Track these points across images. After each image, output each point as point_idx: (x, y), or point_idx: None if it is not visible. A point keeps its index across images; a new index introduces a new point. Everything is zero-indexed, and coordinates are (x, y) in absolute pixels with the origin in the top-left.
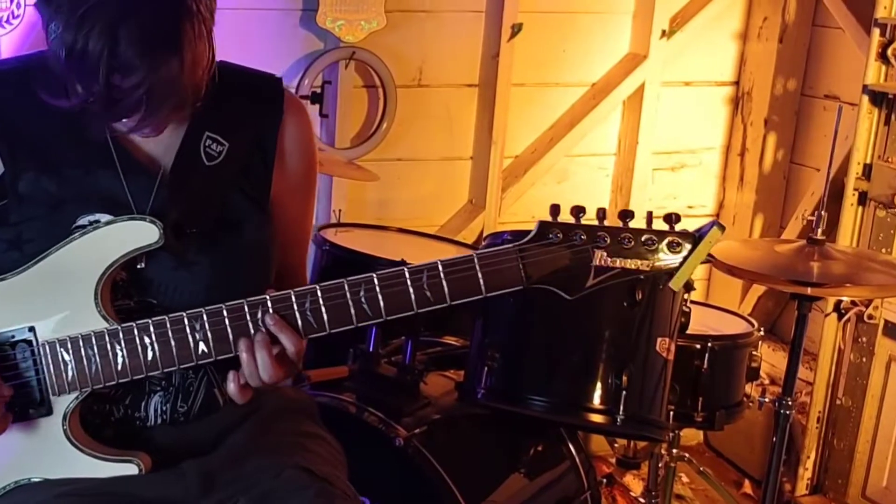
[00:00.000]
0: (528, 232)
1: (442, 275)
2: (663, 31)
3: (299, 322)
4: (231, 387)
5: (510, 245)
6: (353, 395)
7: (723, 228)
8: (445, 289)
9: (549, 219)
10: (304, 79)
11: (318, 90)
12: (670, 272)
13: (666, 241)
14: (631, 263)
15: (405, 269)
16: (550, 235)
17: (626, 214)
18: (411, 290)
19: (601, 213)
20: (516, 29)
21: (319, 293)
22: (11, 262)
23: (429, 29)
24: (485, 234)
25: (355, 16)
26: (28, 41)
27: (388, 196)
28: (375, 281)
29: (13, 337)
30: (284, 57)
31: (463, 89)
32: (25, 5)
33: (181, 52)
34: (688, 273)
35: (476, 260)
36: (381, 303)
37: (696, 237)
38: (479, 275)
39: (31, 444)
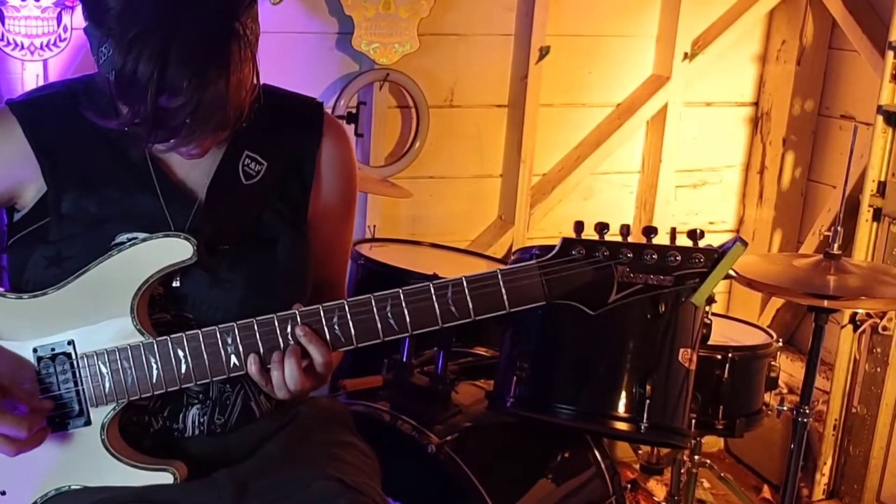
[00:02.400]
0: (555, 247)
1: (466, 290)
2: (685, 54)
3: (328, 336)
4: (252, 368)
5: (532, 262)
6: (388, 404)
7: (745, 244)
8: (470, 304)
9: (574, 235)
10: (340, 99)
11: (354, 110)
12: (693, 287)
13: (689, 257)
14: (654, 279)
15: (430, 285)
16: (573, 252)
17: (650, 230)
18: (436, 305)
19: (625, 230)
20: (544, 52)
21: (347, 308)
22: (51, 278)
23: (460, 52)
24: (514, 249)
25: (389, 39)
26: (75, 64)
27: (420, 212)
28: (401, 296)
29: (53, 350)
30: (321, 78)
31: (493, 110)
32: (72, 29)
33: (228, 73)
34: (710, 288)
35: (500, 276)
36: (408, 318)
37: (718, 253)
38: (503, 290)
39: (71, 453)
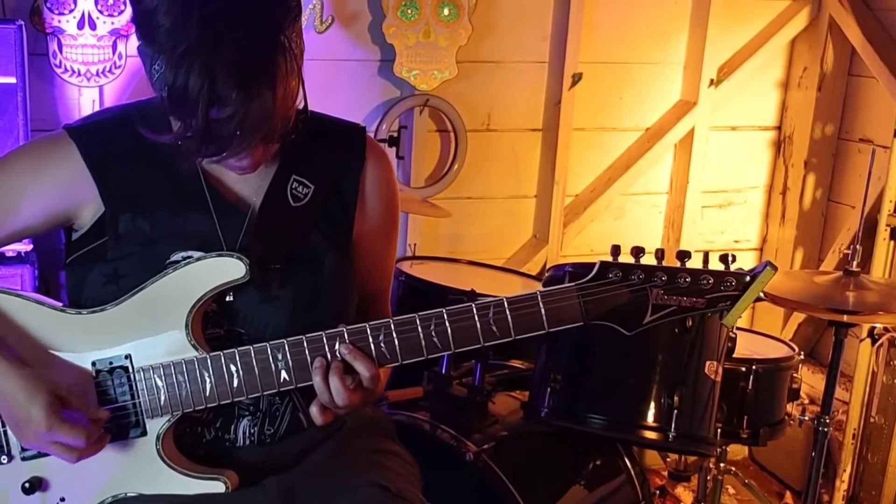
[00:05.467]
0: (588, 264)
1: (507, 311)
2: (711, 80)
3: (374, 352)
4: (313, 410)
5: (571, 284)
6: (427, 414)
7: (775, 269)
8: (510, 324)
9: (610, 258)
10: (382, 124)
11: (395, 134)
12: (724, 310)
13: (721, 280)
14: (687, 301)
15: (473, 306)
16: (610, 275)
17: (684, 255)
18: (478, 324)
19: (659, 254)
20: (577, 78)
21: (393, 326)
22: (109, 295)
23: (496, 78)
24: (547, 266)
25: (429, 66)
26: (129, 90)
27: (458, 231)
28: (445, 316)
29: (111, 364)
30: (364, 104)
31: (528, 133)
32: (126, 56)
33: (274, 84)
34: (741, 311)
35: (539, 297)
36: (450, 336)
37: (749, 277)
38: (542, 311)
39: (128, 462)
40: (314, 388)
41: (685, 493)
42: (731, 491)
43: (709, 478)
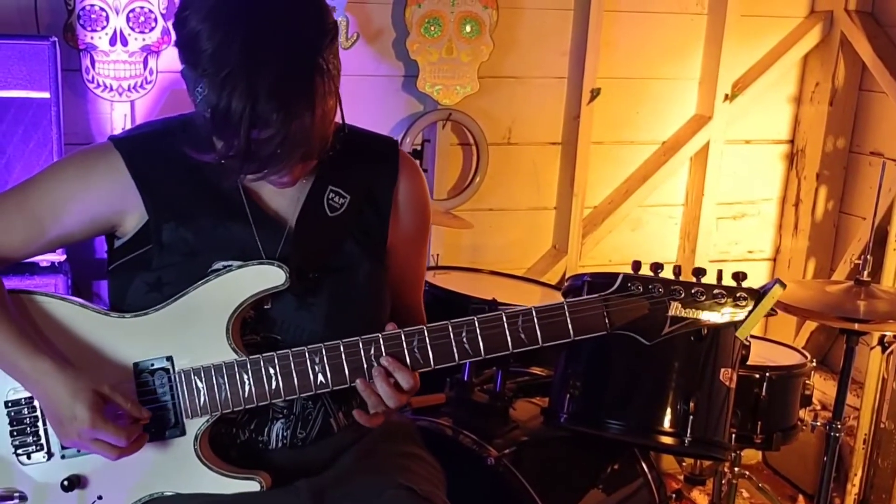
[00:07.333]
0: (606, 274)
1: (535, 319)
2: (726, 95)
3: (407, 358)
4: (361, 419)
5: (596, 295)
6: (450, 420)
7: (784, 286)
8: (538, 332)
9: (630, 271)
10: (406, 137)
11: (419, 147)
12: (737, 323)
13: (734, 296)
14: (702, 314)
15: (503, 314)
16: (632, 287)
17: (699, 271)
18: (507, 332)
19: (677, 270)
20: (595, 93)
21: (426, 333)
22: (151, 302)
23: (517, 93)
24: (567, 276)
25: (451, 81)
26: (160, 104)
27: (480, 242)
28: (476, 323)
29: (153, 365)
30: (389, 118)
31: (547, 147)
32: (157, 72)
33: (313, 106)
34: (753, 324)
35: (566, 307)
36: (481, 343)
37: (760, 293)
38: (568, 321)
39: (166, 461)
40: (351, 391)
41: (701, 497)
42: (746, 494)
43: (723, 482)
